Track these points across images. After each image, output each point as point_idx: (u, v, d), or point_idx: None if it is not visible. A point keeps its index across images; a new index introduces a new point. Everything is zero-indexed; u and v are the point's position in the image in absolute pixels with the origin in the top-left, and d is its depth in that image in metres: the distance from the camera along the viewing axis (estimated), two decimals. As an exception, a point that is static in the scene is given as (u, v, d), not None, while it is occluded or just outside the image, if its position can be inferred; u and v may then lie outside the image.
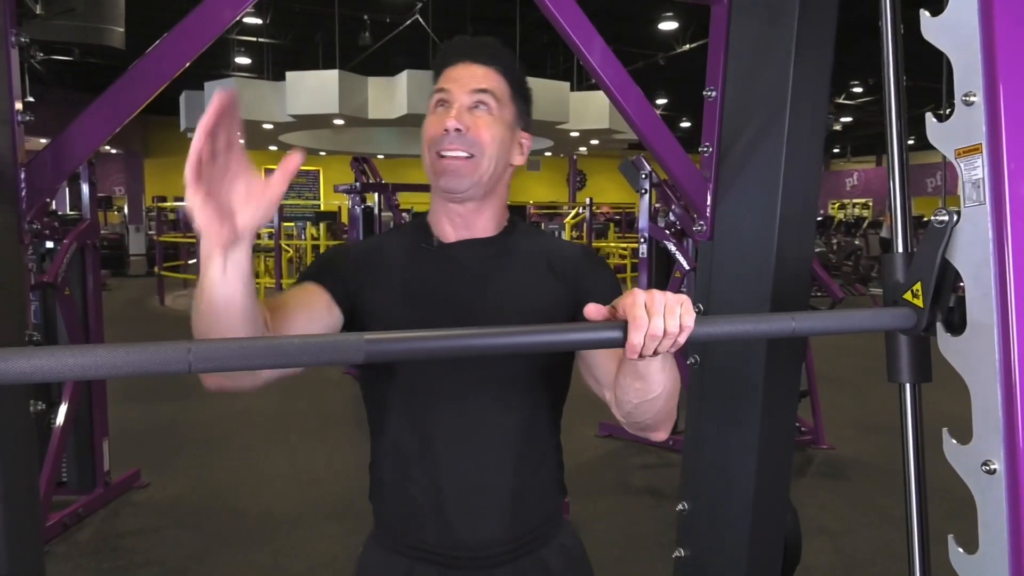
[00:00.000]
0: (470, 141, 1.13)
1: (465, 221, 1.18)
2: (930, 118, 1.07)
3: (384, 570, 1.19)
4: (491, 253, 1.19)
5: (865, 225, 15.25)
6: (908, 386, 1.16)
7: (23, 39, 1.23)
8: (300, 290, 1.11)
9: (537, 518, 1.20)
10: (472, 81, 1.15)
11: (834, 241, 13.93)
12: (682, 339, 0.90)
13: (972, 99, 1.01)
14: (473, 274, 1.17)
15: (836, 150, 27.88)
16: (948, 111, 1.06)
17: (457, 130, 1.12)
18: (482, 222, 1.19)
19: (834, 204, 27.05)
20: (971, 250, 1.03)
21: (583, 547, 1.29)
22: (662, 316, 0.88)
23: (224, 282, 0.85)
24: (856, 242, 13.86)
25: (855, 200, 26.97)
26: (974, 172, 1.01)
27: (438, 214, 1.20)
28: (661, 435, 1.16)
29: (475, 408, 1.15)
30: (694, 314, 0.91)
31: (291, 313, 1.05)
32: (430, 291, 1.16)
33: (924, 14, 1.07)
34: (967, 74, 1.02)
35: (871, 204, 25.85)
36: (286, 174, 0.86)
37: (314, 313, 1.09)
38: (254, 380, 0.97)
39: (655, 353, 0.90)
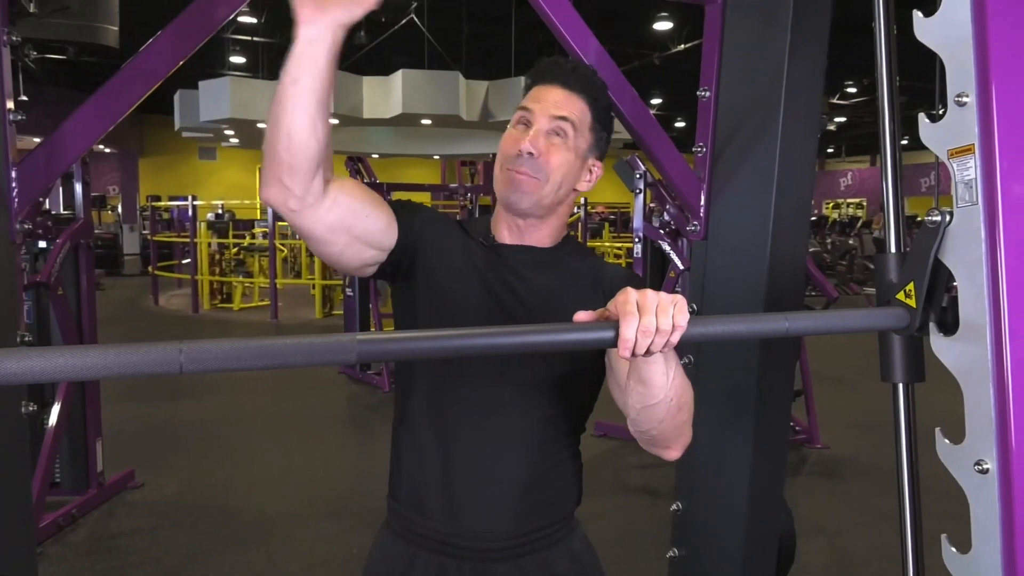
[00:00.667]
0: (539, 165, 1.17)
1: (521, 232, 1.23)
2: (923, 118, 1.07)
3: (392, 556, 1.22)
4: (539, 261, 1.23)
5: (859, 225, 15.29)
6: (901, 386, 1.16)
7: (15, 38, 1.23)
8: (379, 199, 1.15)
9: (544, 519, 1.22)
10: (554, 107, 1.18)
11: (828, 241, 13.96)
12: (675, 338, 0.90)
13: (965, 100, 1.01)
14: (517, 275, 1.21)
15: (830, 150, 27.94)
16: (941, 111, 1.06)
17: (530, 153, 1.16)
18: (537, 236, 1.24)
19: (828, 204, 27.10)
20: (964, 250, 1.03)
21: (595, 555, 1.31)
22: (654, 314, 0.88)
23: (311, 52, 0.95)
24: (850, 242, 13.90)
25: (849, 200, 27.03)
26: (967, 172, 1.02)
27: (499, 217, 1.25)
28: (672, 453, 1.17)
29: (493, 404, 1.18)
30: (687, 313, 0.91)
31: (362, 195, 1.10)
32: (477, 276, 1.20)
33: (917, 15, 1.07)
34: (960, 74, 1.02)
35: (865, 204, 25.91)
36: None
37: (377, 218, 1.12)
38: (318, 206, 1.03)
39: (648, 352, 0.90)
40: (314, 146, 0.98)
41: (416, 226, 1.18)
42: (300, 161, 0.99)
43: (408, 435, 1.22)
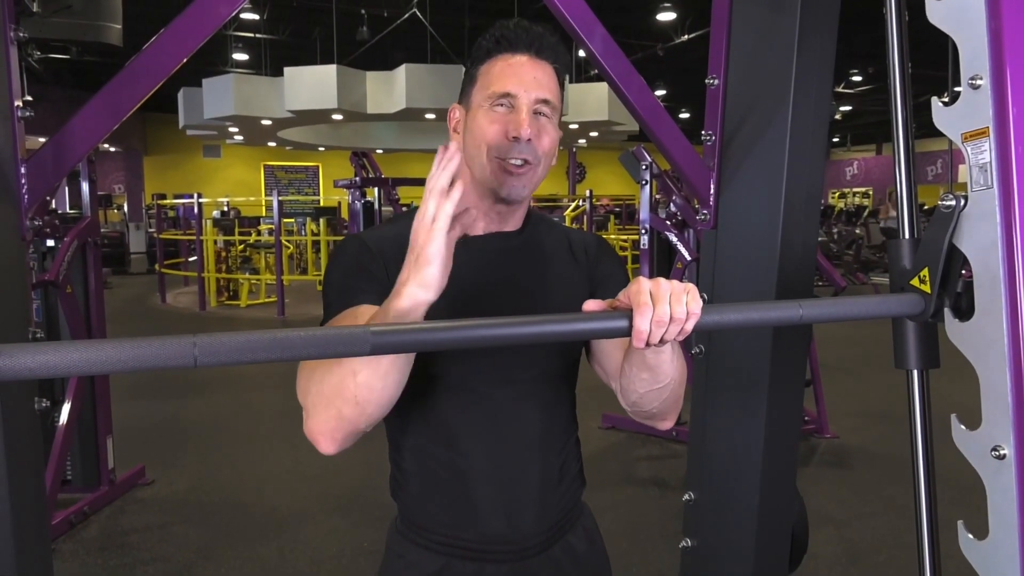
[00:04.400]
0: (532, 149, 1.10)
1: (502, 218, 1.18)
2: (936, 102, 1.06)
3: (416, 565, 1.19)
4: (516, 246, 1.19)
5: (866, 214, 15.24)
6: (916, 372, 1.15)
7: (22, 35, 1.23)
8: (356, 318, 1.04)
9: (565, 507, 1.23)
10: (536, 87, 1.11)
11: (835, 230, 13.91)
12: (689, 326, 0.89)
13: (979, 83, 1.00)
14: (501, 268, 1.17)
15: (836, 139, 27.84)
16: (954, 95, 1.05)
17: (528, 140, 1.09)
18: (514, 219, 1.19)
19: (834, 193, 27.03)
20: (979, 235, 1.02)
21: (597, 526, 1.33)
22: (667, 303, 0.87)
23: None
24: (857, 231, 13.84)
25: (855, 189, 26.94)
26: (981, 156, 1.01)
27: (472, 207, 1.18)
28: (667, 424, 1.19)
29: (506, 405, 1.15)
30: (700, 301, 0.90)
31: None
32: (460, 287, 1.09)
33: (929, -3, 1.06)
34: (973, 58, 1.01)
35: (871, 193, 25.82)
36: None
37: None
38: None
39: (662, 341, 0.89)
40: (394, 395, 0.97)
41: (381, 285, 1.07)
42: (382, 414, 0.98)
43: (414, 444, 1.18)
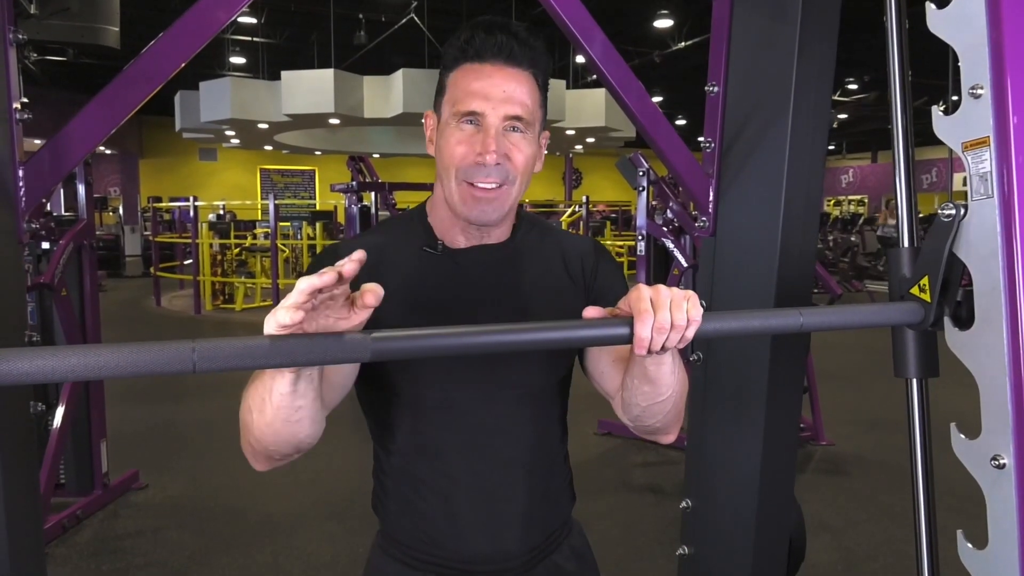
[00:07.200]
0: (504, 171, 1.03)
1: (483, 233, 1.12)
2: (936, 111, 1.06)
3: None
4: (502, 259, 1.13)
5: (861, 222, 15.28)
6: (915, 381, 1.15)
7: (21, 37, 1.22)
8: None
9: (550, 526, 1.20)
10: (504, 103, 1.02)
11: (830, 238, 13.94)
12: (690, 333, 0.89)
13: (979, 92, 1.00)
14: (486, 284, 1.12)
15: (832, 147, 27.93)
16: (954, 104, 1.06)
17: (496, 164, 1.02)
18: (498, 232, 1.13)
19: (830, 201, 27.10)
20: (979, 244, 1.02)
21: (588, 544, 1.30)
22: (668, 309, 0.86)
23: (295, 394, 0.88)
24: (852, 239, 13.87)
25: (851, 197, 27.03)
26: (982, 165, 1.01)
27: (447, 222, 1.12)
28: (669, 438, 1.16)
29: (490, 422, 1.12)
30: (701, 308, 0.89)
31: (327, 372, 1.01)
32: (440, 303, 1.08)
33: (930, 6, 1.06)
34: (974, 67, 1.01)
35: (867, 201, 25.91)
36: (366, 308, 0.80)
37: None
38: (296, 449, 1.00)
39: (663, 348, 0.88)
40: (318, 432, 0.99)
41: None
42: (308, 445, 1.00)
43: (397, 461, 1.15)
